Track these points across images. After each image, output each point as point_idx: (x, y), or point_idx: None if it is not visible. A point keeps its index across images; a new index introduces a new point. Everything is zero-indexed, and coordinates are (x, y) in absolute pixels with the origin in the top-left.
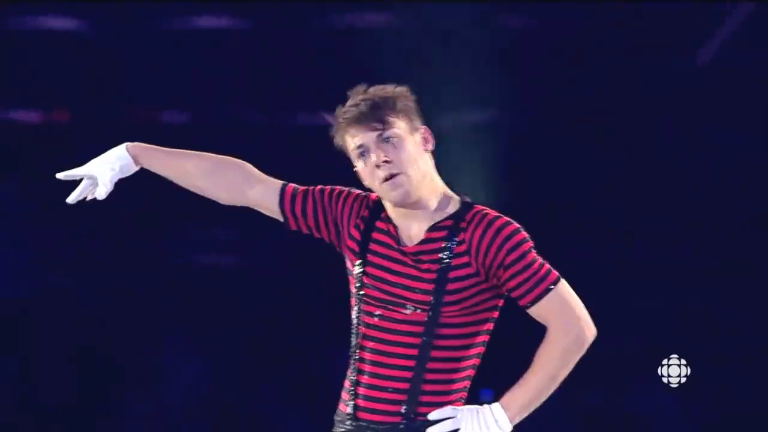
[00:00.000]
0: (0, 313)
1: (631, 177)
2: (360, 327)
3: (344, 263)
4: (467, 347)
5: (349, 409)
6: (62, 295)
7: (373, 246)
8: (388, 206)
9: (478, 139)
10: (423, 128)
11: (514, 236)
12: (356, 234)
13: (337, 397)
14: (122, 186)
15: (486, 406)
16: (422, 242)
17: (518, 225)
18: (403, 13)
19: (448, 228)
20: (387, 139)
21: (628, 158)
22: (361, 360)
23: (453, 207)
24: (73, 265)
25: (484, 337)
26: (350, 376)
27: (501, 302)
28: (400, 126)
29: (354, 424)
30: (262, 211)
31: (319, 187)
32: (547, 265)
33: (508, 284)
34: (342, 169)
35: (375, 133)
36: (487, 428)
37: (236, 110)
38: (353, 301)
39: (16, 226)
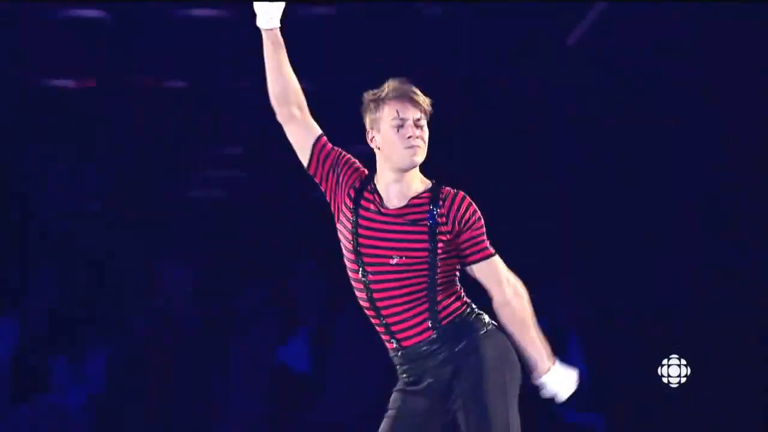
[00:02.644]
0: (41, 229)
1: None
2: (363, 281)
3: (333, 214)
4: (453, 275)
5: (394, 344)
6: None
7: (362, 212)
8: (383, 171)
9: None
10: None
11: (476, 213)
12: (348, 202)
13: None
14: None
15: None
16: (406, 206)
17: (470, 206)
18: None
19: (429, 198)
20: (421, 125)
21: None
22: (378, 308)
23: (427, 185)
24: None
25: (456, 274)
26: (377, 322)
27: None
28: (423, 118)
29: (403, 352)
30: (294, 139)
31: (340, 150)
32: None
33: (464, 242)
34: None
35: (416, 115)
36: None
37: (227, 79)
38: (349, 261)
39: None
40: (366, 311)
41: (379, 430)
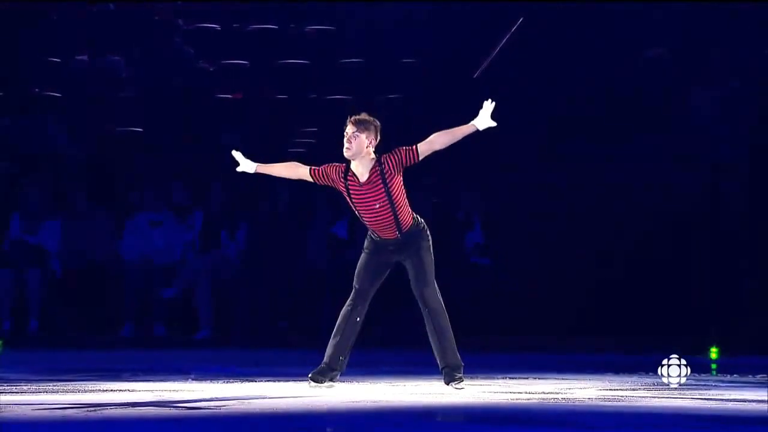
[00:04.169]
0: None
1: None
2: (360, 214)
3: (338, 191)
4: (402, 199)
5: (375, 237)
6: None
7: (351, 187)
8: (353, 163)
9: None
10: (373, 136)
11: (397, 149)
12: (342, 186)
13: None
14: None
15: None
16: (368, 177)
17: (396, 149)
18: None
19: (376, 167)
20: (354, 135)
21: None
22: (367, 223)
23: (374, 158)
24: None
25: (403, 192)
26: (369, 228)
27: (401, 177)
28: (360, 132)
29: (379, 240)
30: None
31: (323, 167)
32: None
33: (404, 157)
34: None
35: (352, 130)
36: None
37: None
38: (353, 208)
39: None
40: (366, 226)
41: (359, 263)
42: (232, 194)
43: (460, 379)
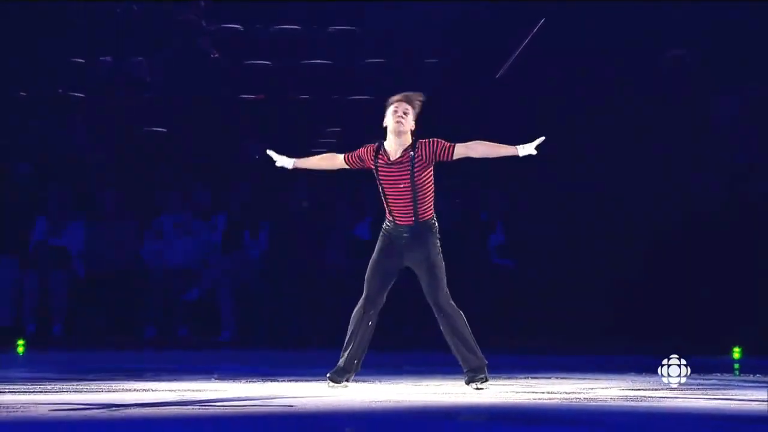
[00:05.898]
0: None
1: None
2: (384, 192)
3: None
4: (428, 189)
5: (390, 225)
6: None
7: (380, 165)
8: (389, 136)
9: None
10: (419, 111)
11: (437, 140)
12: (372, 164)
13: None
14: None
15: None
16: (399, 156)
17: (436, 139)
18: None
19: (410, 148)
20: (405, 111)
21: None
22: (389, 203)
23: (411, 142)
24: None
25: (432, 185)
26: (388, 209)
27: (432, 170)
28: (409, 109)
29: (394, 224)
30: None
31: (355, 151)
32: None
33: (439, 152)
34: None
35: (402, 106)
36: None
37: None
38: (378, 185)
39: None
40: (386, 207)
41: (370, 266)
42: (255, 195)
43: (484, 379)
